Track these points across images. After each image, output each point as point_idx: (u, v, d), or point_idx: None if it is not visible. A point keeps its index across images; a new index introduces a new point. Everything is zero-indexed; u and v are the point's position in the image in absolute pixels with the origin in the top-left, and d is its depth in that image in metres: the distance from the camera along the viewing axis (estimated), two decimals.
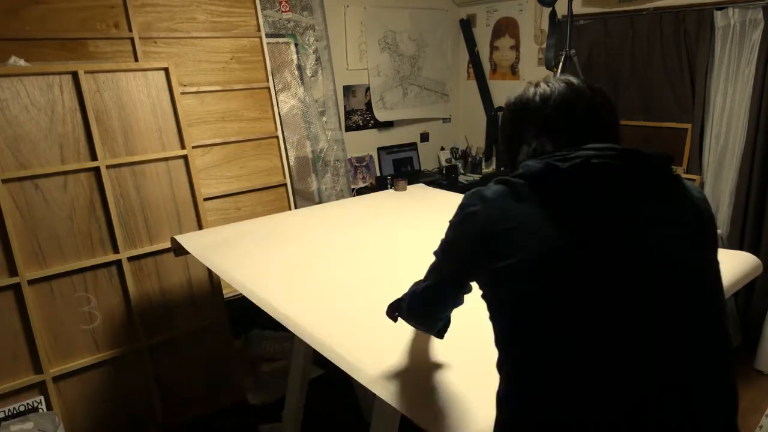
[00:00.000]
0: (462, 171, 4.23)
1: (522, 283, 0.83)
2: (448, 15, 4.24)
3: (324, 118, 3.47)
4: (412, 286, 1.12)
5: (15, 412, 2.03)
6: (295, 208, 3.07)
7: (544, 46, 3.65)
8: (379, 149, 4.02)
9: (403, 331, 1.32)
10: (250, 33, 2.88)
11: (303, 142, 3.28)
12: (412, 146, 4.21)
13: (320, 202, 3.37)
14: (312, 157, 3.34)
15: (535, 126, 0.96)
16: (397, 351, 1.23)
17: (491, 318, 0.92)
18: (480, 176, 4.08)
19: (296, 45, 3.26)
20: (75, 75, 2.10)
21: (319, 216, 2.31)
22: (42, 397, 2.09)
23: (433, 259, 1.07)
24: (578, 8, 3.29)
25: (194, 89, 2.70)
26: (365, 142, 3.95)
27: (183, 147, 2.36)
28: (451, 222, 0.98)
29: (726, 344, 0.86)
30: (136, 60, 2.51)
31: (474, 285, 0.99)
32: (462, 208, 0.94)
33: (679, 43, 2.93)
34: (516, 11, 3.95)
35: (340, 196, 3.49)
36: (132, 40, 2.51)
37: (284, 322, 1.41)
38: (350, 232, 2.08)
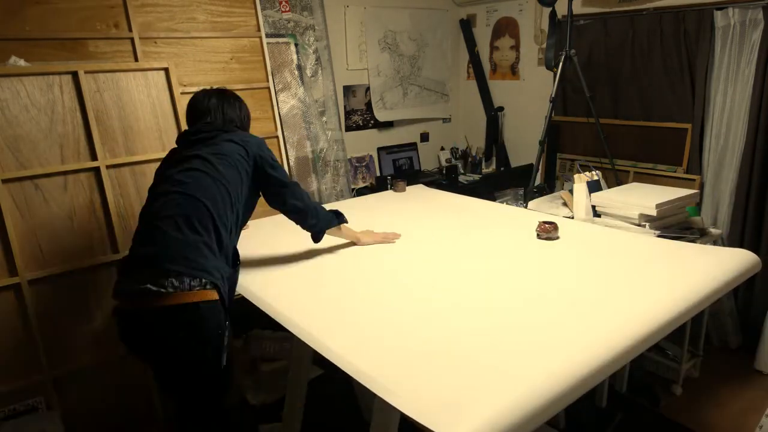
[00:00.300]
0: (462, 171, 4.23)
1: None
2: (448, 15, 4.24)
3: (324, 118, 3.47)
4: None
5: (15, 412, 2.03)
6: None
7: (544, 46, 3.65)
8: (379, 149, 4.02)
9: (403, 330, 1.32)
10: (250, 33, 2.88)
11: (303, 142, 3.28)
12: (412, 146, 4.21)
13: (320, 202, 3.36)
14: (312, 157, 3.34)
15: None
16: (396, 350, 1.23)
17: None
18: (480, 176, 4.08)
19: (296, 45, 3.26)
20: (75, 75, 2.11)
21: None
22: (42, 397, 2.09)
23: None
24: (578, 8, 3.29)
25: (194, 89, 2.70)
26: (365, 142, 3.95)
27: None
28: None
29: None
30: (136, 60, 2.51)
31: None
32: None
33: (679, 43, 2.93)
34: (516, 11, 3.95)
35: (340, 196, 3.49)
36: (132, 40, 2.51)
37: (283, 322, 1.41)
38: None
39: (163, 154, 2.31)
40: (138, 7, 2.52)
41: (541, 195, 3.25)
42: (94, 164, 2.15)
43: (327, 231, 1.83)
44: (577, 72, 2.94)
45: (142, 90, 2.26)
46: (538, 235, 1.93)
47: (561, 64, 2.99)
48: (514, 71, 4.07)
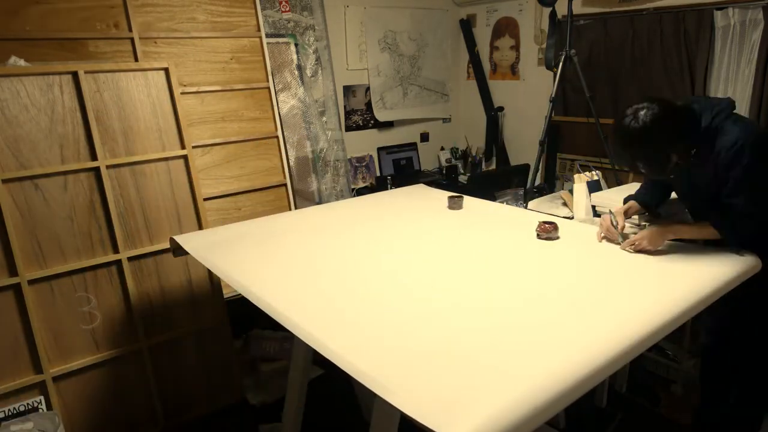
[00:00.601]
0: (462, 171, 4.23)
1: None
2: (448, 15, 4.24)
3: (324, 118, 3.47)
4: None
5: (15, 412, 2.03)
6: (295, 208, 3.07)
7: (544, 46, 3.65)
8: (379, 149, 4.02)
9: (403, 330, 1.32)
10: (250, 33, 2.89)
11: (303, 142, 3.28)
12: (412, 146, 4.21)
13: (320, 202, 3.37)
14: (312, 157, 3.34)
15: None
16: (396, 350, 1.23)
17: None
18: (469, 175, 4.09)
19: (296, 45, 3.26)
20: (75, 75, 2.11)
21: (319, 216, 2.31)
22: (42, 397, 2.09)
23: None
24: (578, 8, 3.29)
25: (194, 89, 2.70)
26: (365, 142, 3.95)
27: (183, 147, 2.36)
28: None
29: None
30: (136, 60, 2.51)
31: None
32: None
33: (679, 43, 2.93)
34: (516, 11, 3.95)
35: (340, 196, 3.49)
36: (132, 40, 2.51)
37: (283, 322, 1.41)
38: (350, 233, 2.08)
39: (163, 154, 2.33)
40: (138, 7, 2.52)
41: (541, 195, 3.25)
42: (94, 164, 2.15)
43: None
44: (577, 72, 2.95)
45: (142, 90, 2.26)
46: (538, 235, 1.93)
47: (561, 64, 2.99)
48: (514, 71, 4.07)
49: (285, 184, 3.04)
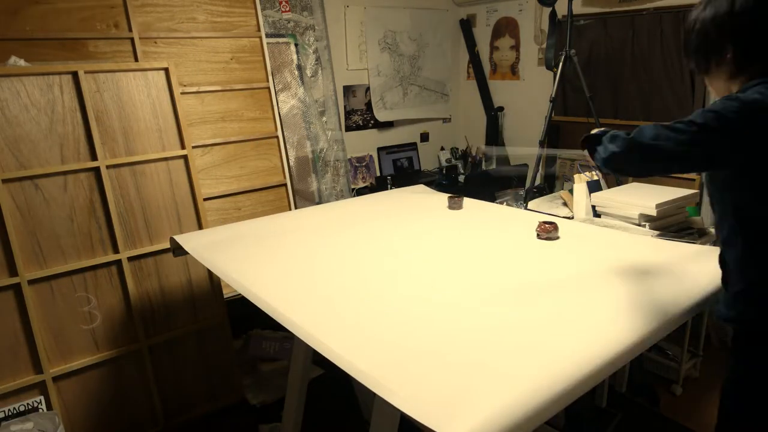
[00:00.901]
0: (462, 171, 4.23)
1: None
2: (448, 15, 4.24)
3: (324, 118, 3.47)
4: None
5: (15, 412, 2.03)
6: (295, 208, 3.07)
7: (544, 46, 3.65)
8: (379, 149, 4.02)
9: (403, 330, 1.32)
10: (250, 33, 2.89)
11: (303, 142, 3.28)
12: (412, 146, 4.21)
13: (320, 202, 3.37)
14: (312, 157, 3.34)
15: None
16: (396, 350, 1.23)
17: (727, 189, 1.24)
18: (460, 174, 4.10)
19: (296, 45, 3.26)
20: (75, 75, 2.11)
21: (319, 216, 2.31)
22: (42, 397, 2.09)
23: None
24: (578, 8, 3.29)
25: (194, 89, 2.71)
26: (365, 142, 3.95)
27: (183, 147, 2.36)
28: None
29: None
30: (136, 60, 2.51)
31: None
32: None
33: (679, 43, 2.93)
34: (516, 11, 3.95)
35: (340, 196, 3.49)
36: (132, 40, 2.51)
37: (283, 322, 1.41)
38: (350, 233, 2.08)
39: (163, 154, 2.33)
40: (138, 7, 2.52)
41: (541, 195, 3.25)
42: (94, 164, 2.15)
43: None
44: (577, 72, 2.95)
45: (142, 90, 2.26)
46: (538, 235, 1.93)
47: (561, 64, 2.99)
48: (514, 71, 4.07)
49: (285, 184, 3.04)
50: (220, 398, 2.50)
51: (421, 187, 2.78)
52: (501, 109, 4.18)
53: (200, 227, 2.40)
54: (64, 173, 2.10)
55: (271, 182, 2.99)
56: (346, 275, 1.69)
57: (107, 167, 2.18)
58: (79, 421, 2.18)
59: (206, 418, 2.44)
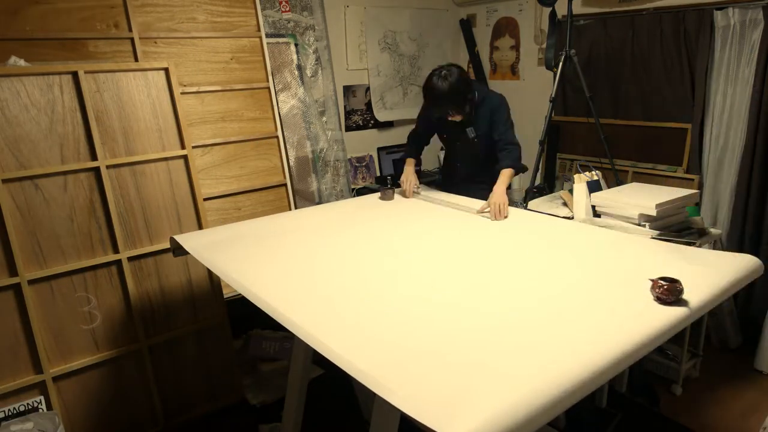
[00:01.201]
0: None
1: None
2: (448, 15, 4.24)
3: (324, 118, 3.47)
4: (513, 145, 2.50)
5: (15, 412, 2.03)
6: (295, 208, 3.07)
7: (544, 46, 3.65)
8: (379, 149, 4.02)
9: (403, 330, 1.32)
10: (250, 33, 2.89)
11: (303, 142, 3.28)
12: None
13: (320, 202, 3.37)
14: (312, 157, 3.34)
15: None
16: (396, 349, 1.23)
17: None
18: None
19: (296, 45, 3.26)
20: (75, 75, 2.11)
21: (319, 216, 2.31)
22: (42, 397, 2.09)
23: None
24: (578, 8, 3.29)
25: (194, 89, 2.71)
26: (365, 142, 3.95)
27: (183, 147, 2.36)
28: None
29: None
30: (136, 60, 2.51)
31: None
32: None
33: (679, 43, 2.93)
34: (516, 11, 3.95)
35: (340, 196, 3.49)
36: (132, 40, 2.51)
37: (283, 322, 1.41)
38: (350, 233, 2.08)
39: (163, 154, 2.33)
40: (138, 7, 2.52)
41: (541, 195, 3.25)
42: (94, 164, 2.15)
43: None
44: (577, 72, 2.94)
45: (142, 90, 2.26)
46: (658, 298, 1.40)
47: (561, 64, 2.99)
48: (514, 71, 4.07)
49: (285, 184, 3.04)
50: (220, 398, 2.50)
51: (421, 186, 2.78)
52: None
53: (200, 227, 2.40)
54: (64, 173, 2.10)
55: (271, 182, 2.99)
56: (346, 275, 1.69)
57: (107, 167, 2.18)
58: (79, 421, 2.18)
59: (206, 418, 2.44)
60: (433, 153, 4.37)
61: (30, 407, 2.07)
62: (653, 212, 2.23)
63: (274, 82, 3.01)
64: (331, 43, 3.52)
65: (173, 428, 2.37)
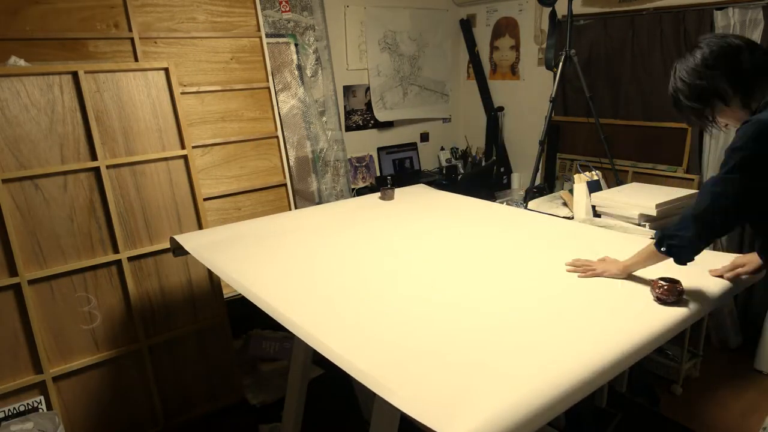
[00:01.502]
0: (462, 171, 4.22)
1: None
2: (448, 15, 4.24)
3: (324, 118, 3.47)
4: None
5: (15, 412, 2.03)
6: (295, 208, 3.07)
7: (544, 46, 3.65)
8: (379, 149, 4.02)
9: (403, 330, 1.32)
10: (250, 33, 2.89)
11: (303, 142, 3.28)
12: (412, 146, 4.21)
13: (320, 202, 3.37)
14: (312, 157, 3.34)
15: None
16: (396, 350, 1.23)
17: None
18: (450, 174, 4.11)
19: (296, 45, 3.26)
20: (75, 75, 2.10)
21: (319, 216, 2.31)
22: (42, 397, 2.09)
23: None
24: (578, 8, 3.29)
25: (194, 89, 2.71)
26: (365, 142, 3.95)
27: (183, 147, 2.36)
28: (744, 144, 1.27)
29: None
30: (136, 60, 2.51)
31: None
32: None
33: (679, 43, 2.93)
34: (516, 11, 3.95)
35: (340, 196, 3.49)
36: (132, 40, 2.51)
37: (283, 322, 1.41)
38: (350, 233, 2.08)
39: (163, 154, 2.33)
40: (138, 7, 2.52)
41: (541, 195, 3.25)
42: (94, 164, 2.15)
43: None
44: (577, 72, 2.95)
45: (142, 90, 2.26)
46: (658, 298, 1.40)
47: (561, 64, 2.99)
48: (514, 71, 4.07)
49: (285, 184, 3.04)
50: (220, 398, 2.50)
51: (421, 187, 2.78)
52: (501, 109, 4.18)
53: (200, 227, 2.40)
54: (64, 173, 2.10)
55: (271, 182, 2.99)
56: (346, 275, 1.69)
57: (107, 167, 2.18)
58: (79, 421, 2.18)
59: (206, 418, 2.44)
60: (433, 152, 4.38)
61: (30, 407, 2.06)
62: (653, 212, 2.24)
63: (274, 82, 3.01)
64: (331, 43, 3.52)
65: (173, 428, 2.37)
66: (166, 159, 2.32)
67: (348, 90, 3.79)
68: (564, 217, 2.36)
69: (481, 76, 4.26)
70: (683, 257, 1.40)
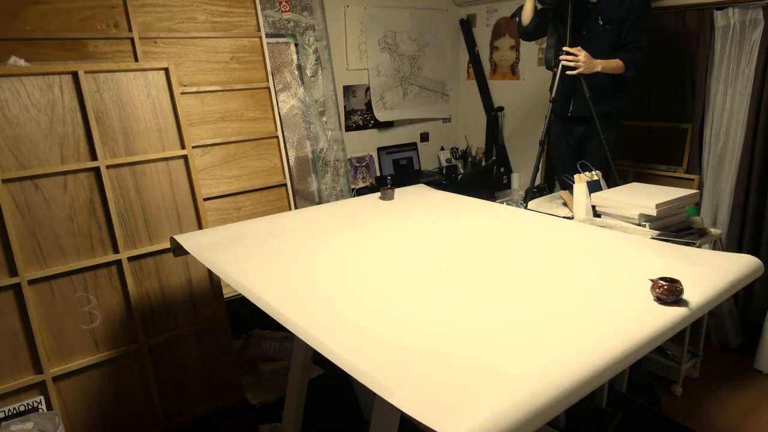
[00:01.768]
0: (462, 171, 4.22)
1: None
2: (448, 15, 4.24)
3: (324, 118, 3.47)
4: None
5: (15, 412, 2.03)
6: (295, 208, 3.07)
7: (544, 46, 3.65)
8: (379, 149, 4.02)
9: (403, 330, 1.32)
10: (250, 33, 2.89)
11: (303, 142, 3.28)
12: (412, 146, 4.21)
13: (320, 202, 3.37)
14: (312, 157, 3.34)
15: None
16: (396, 350, 1.23)
17: None
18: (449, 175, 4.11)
19: (296, 45, 3.26)
20: (75, 75, 2.11)
21: (319, 216, 2.31)
22: (42, 397, 2.09)
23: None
24: None
25: (194, 89, 2.71)
26: (365, 142, 3.95)
27: (183, 147, 2.36)
28: None
29: None
30: (136, 60, 2.51)
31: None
32: None
33: (679, 43, 2.93)
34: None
35: (340, 196, 3.49)
36: (132, 40, 2.51)
37: (283, 322, 1.41)
38: (350, 233, 2.08)
39: (163, 154, 2.33)
40: (138, 7, 2.53)
41: (541, 195, 3.24)
42: (94, 164, 2.15)
43: None
44: None
45: (142, 90, 2.26)
46: (658, 298, 1.39)
47: (561, 64, 2.98)
48: (514, 71, 4.07)
49: (285, 184, 3.04)
50: (220, 398, 2.50)
51: (421, 186, 2.78)
52: (501, 109, 4.18)
53: (200, 227, 2.40)
54: (64, 173, 2.10)
55: (271, 182, 2.99)
56: (346, 275, 1.69)
57: (107, 167, 2.18)
58: (79, 421, 2.18)
59: (206, 418, 2.44)
60: (433, 152, 4.38)
61: (30, 407, 2.07)
62: (653, 212, 2.23)
63: (274, 82, 3.01)
64: (331, 43, 3.52)
65: (173, 428, 2.38)
66: (166, 159, 2.32)
67: (348, 90, 3.79)
68: (564, 217, 2.36)
69: (481, 76, 4.26)
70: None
